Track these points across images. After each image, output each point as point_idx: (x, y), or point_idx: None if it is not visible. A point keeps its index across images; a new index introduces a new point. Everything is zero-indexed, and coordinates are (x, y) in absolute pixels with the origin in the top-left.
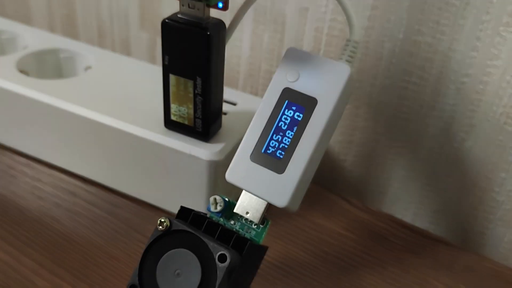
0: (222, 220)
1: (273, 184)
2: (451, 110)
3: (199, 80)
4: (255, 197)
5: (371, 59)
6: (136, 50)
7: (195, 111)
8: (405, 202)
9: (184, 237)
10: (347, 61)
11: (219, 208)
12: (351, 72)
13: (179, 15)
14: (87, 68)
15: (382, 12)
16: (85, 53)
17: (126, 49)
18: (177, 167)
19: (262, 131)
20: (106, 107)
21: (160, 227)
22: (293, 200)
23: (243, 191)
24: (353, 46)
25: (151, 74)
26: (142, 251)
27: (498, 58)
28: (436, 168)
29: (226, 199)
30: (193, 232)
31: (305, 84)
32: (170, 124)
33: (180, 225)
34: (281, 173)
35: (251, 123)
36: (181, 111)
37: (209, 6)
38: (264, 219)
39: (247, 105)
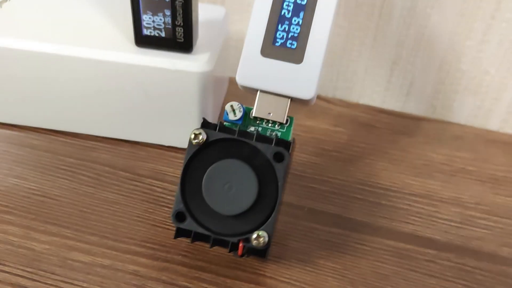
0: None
1: (294, 76)
2: None
3: None
4: (273, 96)
5: None
6: None
7: (174, 19)
8: (372, 91)
9: (224, 146)
10: None
11: (239, 114)
12: None
13: None
14: (2, 2)
15: None
16: None
17: None
18: (160, 89)
19: (267, 23)
20: (53, 35)
21: (196, 140)
22: (317, 90)
23: (258, 93)
24: None
25: None
26: (177, 171)
27: None
28: (402, 51)
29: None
30: (237, 138)
31: None
32: (143, 40)
33: (219, 134)
34: (299, 63)
35: (252, 17)
36: (156, 21)
37: None
38: (287, 117)
39: (210, 14)
